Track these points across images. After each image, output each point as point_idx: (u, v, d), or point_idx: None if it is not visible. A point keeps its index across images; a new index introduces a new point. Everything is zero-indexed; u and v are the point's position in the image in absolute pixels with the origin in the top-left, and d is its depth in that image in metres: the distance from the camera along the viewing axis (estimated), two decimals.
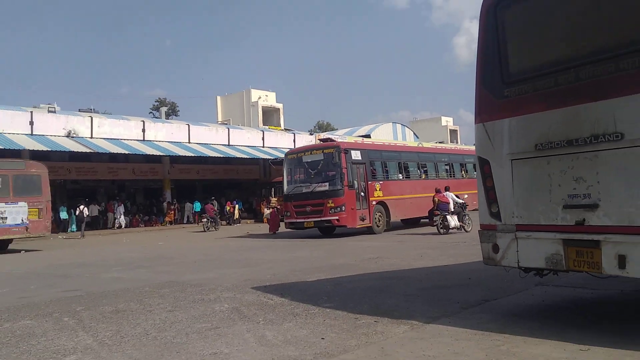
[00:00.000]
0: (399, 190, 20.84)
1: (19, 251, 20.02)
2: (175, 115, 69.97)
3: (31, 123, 29.46)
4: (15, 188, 19.56)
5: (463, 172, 25.39)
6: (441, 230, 17.22)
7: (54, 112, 32.46)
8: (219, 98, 64.31)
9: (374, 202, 19.27)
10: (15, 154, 26.27)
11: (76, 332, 6.04)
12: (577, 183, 4.90)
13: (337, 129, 67.37)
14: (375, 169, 20.25)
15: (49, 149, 28.07)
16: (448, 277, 8.78)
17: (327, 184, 18.61)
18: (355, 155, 18.96)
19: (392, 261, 11.31)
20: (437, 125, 75.87)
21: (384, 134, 52.87)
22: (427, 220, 21.59)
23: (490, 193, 5.66)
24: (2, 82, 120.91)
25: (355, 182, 18.72)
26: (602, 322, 5.51)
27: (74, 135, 30.51)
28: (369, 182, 19.31)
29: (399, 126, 60.21)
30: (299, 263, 11.88)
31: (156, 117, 53.00)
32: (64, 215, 30.21)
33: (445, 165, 24.47)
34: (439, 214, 17.41)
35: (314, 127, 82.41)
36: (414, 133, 61.40)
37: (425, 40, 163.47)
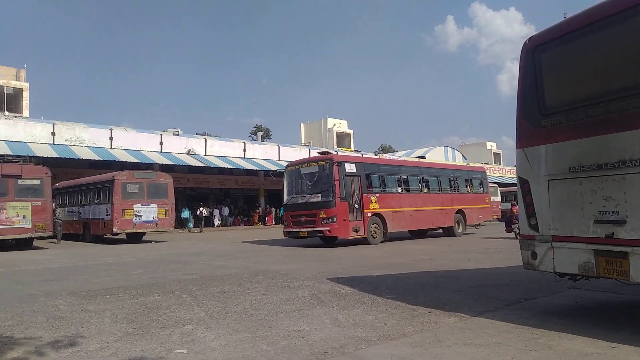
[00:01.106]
0: (397, 203, 18.12)
1: (150, 242, 21.08)
2: (269, 138, 71.57)
3: (161, 143, 31.11)
4: (148, 193, 20.64)
5: (469, 188, 22.15)
6: (518, 237, 16.34)
7: (178, 134, 34.06)
8: (302, 125, 65.23)
9: (369, 214, 16.61)
10: (149, 166, 27.74)
11: (192, 307, 6.28)
12: (607, 201, 4.64)
13: (397, 151, 66.45)
14: (371, 182, 17.41)
15: (173, 163, 29.52)
16: (492, 278, 8.44)
17: (320, 195, 16.16)
18: (350, 168, 16.44)
19: (443, 262, 11.00)
20: (482, 149, 73.10)
21: (437, 156, 51.69)
22: (441, 231, 20.49)
23: (529, 208, 5.45)
24: (141, 111, 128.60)
25: (349, 194, 16.14)
26: (631, 324, 5.14)
27: (192, 153, 31.90)
28: (364, 195, 16.62)
29: (449, 149, 58.62)
30: (364, 260, 11.78)
31: (254, 140, 54.45)
32: (185, 215, 31.51)
33: (450, 180, 21.24)
34: (516, 223, 16.62)
35: (378, 148, 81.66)
36: (463, 155, 59.58)
37: (472, 77, 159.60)
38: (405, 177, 19.37)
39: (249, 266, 10.82)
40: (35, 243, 18.76)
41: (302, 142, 59.34)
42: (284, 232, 17.48)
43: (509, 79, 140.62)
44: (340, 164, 16.03)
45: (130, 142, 30.02)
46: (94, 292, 7.56)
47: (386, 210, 17.28)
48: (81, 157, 26.50)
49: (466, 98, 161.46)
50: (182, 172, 32.62)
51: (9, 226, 16.59)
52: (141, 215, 20.20)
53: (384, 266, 10.38)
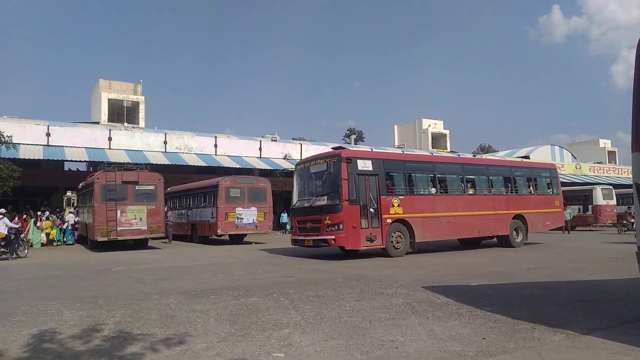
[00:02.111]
0: (429, 207, 15.07)
1: (250, 243, 22.11)
2: (362, 141, 71.54)
3: (260, 149, 32.55)
4: (248, 197, 21.67)
5: (532, 188, 18.53)
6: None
7: (275, 140, 35.34)
8: (395, 126, 64.53)
9: (389, 220, 13.86)
10: (249, 172, 29.09)
11: (289, 310, 6.48)
12: None
13: (497, 151, 63.21)
14: (393, 182, 14.65)
15: (271, 168, 30.64)
16: (605, 291, 7.73)
17: (325, 197, 13.77)
18: (364, 165, 13.81)
19: (549, 272, 10.26)
20: (595, 147, 66.95)
21: (543, 156, 48.39)
22: (495, 240, 17.35)
23: None
24: (242, 119, 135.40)
25: (363, 196, 13.56)
26: None
27: (289, 158, 32.92)
28: (383, 197, 13.85)
29: (557, 148, 54.56)
30: (461, 268, 11.35)
31: (347, 143, 54.92)
32: (283, 219, 32.50)
33: (506, 179, 17.82)
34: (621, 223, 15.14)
35: (477, 149, 78.08)
36: (572, 154, 55.18)
37: (582, 69, 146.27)
38: (441, 175, 16.06)
39: (342, 270, 10.91)
40: (150, 243, 20.50)
41: (396, 144, 58.71)
42: (291, 239, 15.33)
43: (625, 70, 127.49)
44: (351, 160, 13.51)
45: (232, 148, 31.83)
46: (200, 292, 8.09)
47: (413, 215, 14.46)
48: (189, 164, 28.58)
49: (575, 92, 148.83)
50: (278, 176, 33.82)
51: (128, 228, 18.31)
52: (242, 218, 21.25)
53: (483, 275, 9.93)
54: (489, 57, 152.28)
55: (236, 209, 21.14)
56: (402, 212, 14.21)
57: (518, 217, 17.27)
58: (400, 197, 14.36)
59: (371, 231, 13.56)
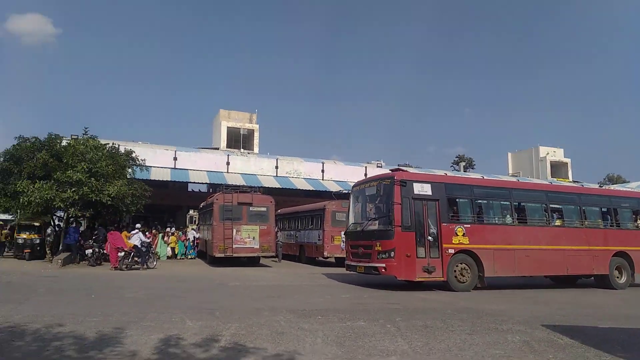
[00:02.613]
0: (502, 238, 13.43)
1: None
2: (472, 169, 68.79)
3: (365, 175, 32.75)
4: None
5: (639, 222, 15.96)
6: None
7: (381, 166, 35.45)
8: (509, 154, 61.09)
9: (451, 250, 12.55)
10: None
11: (396, 338, 6.34)
12: None
13: (629, 181, 56.91)
14: (458, 209, 13.33)
15: None
16: None
17: (377, 222, 12.88)
18: (421, 189, 12.68)
19: None
20: None
21: None
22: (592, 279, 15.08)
23: None
24: (348, 145, 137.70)
25: (419, 222, 12.41)
26: None
27: None
28: (444, 225, 12.60)
29: None
30: (586, 308, 10.29)
31: (456, 170, 53.12)
32: None
33: (603, 211, 15.67)
34: None
35: (604, 179, 71.09)
36: None
37: None
38: (519, 203, 14.37)
39: (452, 301, 10.46)
40: (261, 261, 21.41)
41: (510, 172, 55.55)
42: (345, 265, 14.53)
43: None
44: (405, 183, 12.44)
45: (338, 173, 32.57)
46: (308, 312, 8.25)
47: (481, 246, 12.98)
48: (298, 187, 29.64)
49: None
50: None
51: (242, 245, 19.37)
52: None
53: (613, 317, 8.91)
54: (615, 79, 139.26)
55: (342, 232, 21.31)
56: (467, 242, 12.84)
57: (620, 254, 14.91)
58: (465, 225, 12.96)
59: (429, 261, 12.37)
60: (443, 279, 12.42)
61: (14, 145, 19.50)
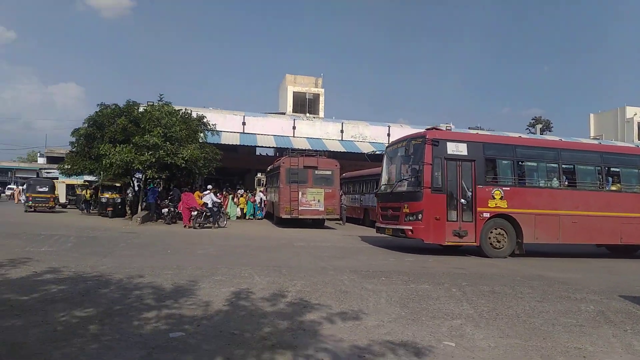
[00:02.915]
0: (546, 203, 12.48)
1: None
2: (549, 131, 64.87)
3: None
4: None
5: None
6: None
7: (450, 129, 34.20)
8: (591, 115, 56.87)
9: (486, 214, 11.91)
10: None
11: (461, 302, 6.26)
12: None
13: None
14: (497, 171, 12.54)
15: None
16: None
17: (406, 183, 12.36)
18: (455, 148, 11.98)
19: None
20: None
21: None
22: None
23: None
24: (417, 108, 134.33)
25: (453, 184, 11.84)
26: None
27: None
28: (479, 187, 11.92)
29: None
30: None
31: (531, 133, 50.38)
32: None
33: None
34: None
35: None
36: None
37: None
38: (568, 166, 13.27)
39: (522, 269, 10.12)
40: (326, 223, 21.73)
41: (592, 134, 51.89)
42: (375, 227, 14.24)
43: None
44: (438, 142, 11.84)
45: None
46: (371, 273, 8.32)
47: (522, 211, 12.21)
48: (363, 151, 29.41)
49: None
50: None
51: (307, 208, 19.74)
52: None
53: None
54: None
55: None
56: (505, 206, 12.13)
57: None
58: (504, 188, 12.19)
59: (461, 225, 11.82)
60: (475, 243, 11.93)
61: (96, 112, 20.80)
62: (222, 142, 26.42)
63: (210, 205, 18.35)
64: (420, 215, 11.77)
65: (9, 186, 52.33)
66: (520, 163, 12.90)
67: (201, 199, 18.86)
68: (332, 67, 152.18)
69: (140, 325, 4.45)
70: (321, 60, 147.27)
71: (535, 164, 13.23)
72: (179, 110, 21.43)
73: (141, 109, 20.74)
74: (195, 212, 18.01)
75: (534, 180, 13.07)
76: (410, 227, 11.97)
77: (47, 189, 26.36)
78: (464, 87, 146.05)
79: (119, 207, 22.97)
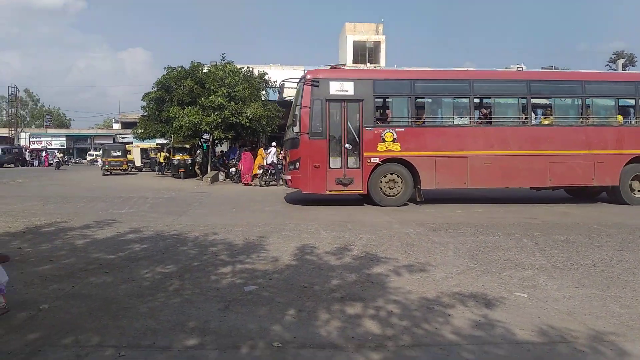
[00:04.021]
0: (453, 144, 11.23)
1: None
2: (632, 66, 59.33)
3: None
4: None
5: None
6: None
7: (521, 70, 32.22)
8: None
9: (375, 159, 10.92)
10: None
11: (533, 253, 6.10)
12: None
13: None
14: (391, 110, 11.52)
15: None
16: None
17: (291, 130, 11.65)
18: (340, 88, 10.85)
19: None
20: None
21: None
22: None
23: None
24: (486, 50, 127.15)
25: (336, 128, 10.94)
26: None
27: None
28: (367, 130, 10.89)
29: None
30: None
31: (612, 69, 46.37)
32: None
33: (623, 104, 12.35)
34: None
35: None
36: None
37: None
38: (482, 99, 12.07)
39: (600, 217, 9.63)
40: None
41: None
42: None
43: None
44: (318, 82, 10.85)
45: None
46: (438, 225, 8.26)
47: (419, 154, 11.12)
48: None
49: None
50: None
51: None
52: None
53: None
54: None
55: None
56: (398, 150, 11.07)
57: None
58: (398, 129, 11.09)
59: (345, 172, 11.05)
60: (363, 191, 11.17)
61: (164, 75, 21.54)
62: (285, 98, 26.53)
63: (275, 162, 18.78)
64: (298, 163, 11.12)
65: (89, 152, 56.19)
66: (420, 100, 11.70)
67: (265, 158, 19.30)
68: (392, 11, 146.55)
69: (216, 279, 4.74)
70: (382, 6, 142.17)
71: (439, 100, 11.91)
72: (240, 68, 21.70)
73: (205, 70, 21.22)
74: (261, 170, 18.51)
75: (437, 119, 11.84)
76: (290, 177, 11.56)
77: (120, 154, 28.35)
78: (535, 24, 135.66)
79: (190, 168, 24.08)
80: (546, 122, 11.99)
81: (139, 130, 23.52)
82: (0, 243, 6.52)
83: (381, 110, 11.81)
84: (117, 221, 8.60)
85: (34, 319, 3.64)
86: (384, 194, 11.24)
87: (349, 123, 11.06)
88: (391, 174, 11.25)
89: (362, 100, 11.04)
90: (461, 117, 11.70)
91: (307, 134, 10.91)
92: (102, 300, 4.10)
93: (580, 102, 11.87)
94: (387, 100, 11.90)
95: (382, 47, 42.62)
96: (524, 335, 3.39)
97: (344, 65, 38.65)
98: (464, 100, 11.68)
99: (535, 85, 11.87)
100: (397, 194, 11.24)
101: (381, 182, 11.22)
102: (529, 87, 11.71)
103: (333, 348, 3.16)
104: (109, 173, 27.46)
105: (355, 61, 41.29)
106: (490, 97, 11.96)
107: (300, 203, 11.98)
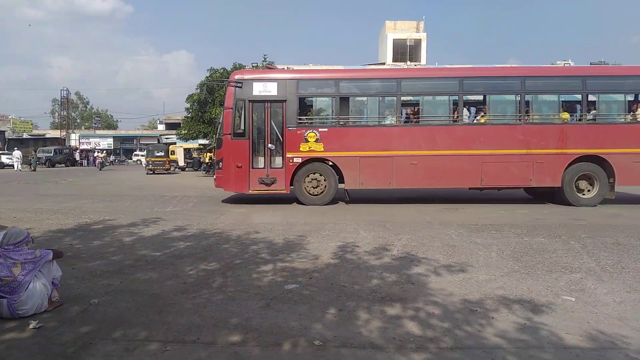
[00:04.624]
0: (378, 143, 11.17)
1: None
2: None
3: None
4: None
5: (619, 113, 11.40)
6: None
7: (568, 64, 31.13)
8: None
9: (298, 159, 11.12)
10: None
11: (581, 255, 5.89)
12: None
13: None
14: (314, 110, 11.66)
15: None
16: None
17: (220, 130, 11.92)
18: (263, 89, 11.10)
19: None
20: None
21: None
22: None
23: None
24: (529, 47, 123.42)
25: (259, 128, 11.19)
26: None
27: None
28: (289, 130, 11.07)
29: None
30: None
31: None
32: None
33: (566, 99, 11.67)
34: None
35: None
36: None
37: None
38: (411, 97, 12.00)
39: None
40: None
41: None
42: None
43: None
44: (241, 83, 11.10)
45: None
46: (481, 227, 8.09)
47: (342, 154, 11.19)
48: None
49: None
50: None
51: None
52: None
53: None
54: None
55: None
56: (321, 150, 11.17)
57: (591, 159, 11.12)
58: (321, 129, 11.20)
59: (269, 172, 11.25)
60: (285, 191, 11.33)
61: (206, 77, 22.09)
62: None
63: None
64: (221, 163, 11.40)
65: (135, 152, 58.14)
66: (346, 100, 11.57)
67: None
68: (434, 10, 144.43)
69: (258, 277, 4.82)
70: (423, 4, 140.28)
71: (365, 100, 11.87)
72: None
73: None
74: None
75: (362, 119, 11.86)
76: (215, 177, 11.84)
77: (162, 154, 29.41)
78: (583, 18, 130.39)
79: None
80: (482, 120, 11.59)
81: (183, 131, 24.18)
82: (54, 239, 6.85)
83: (307, 111, 11.88)
84: (161, 219, 8.87)
85: (85, 312, 3.81)
86: (309, 193, 11.45)
87: (272, 123, 11.30)
88: (314, 173, 11.43)
89: (285, 100, 11.24)
90: (387, 117, 11.68)
91: (230, 134, 11.23)
92: (149, 295, 4.25)
93: (519, 99, 11.33)
94: (311, 99, 11.96)
95: (423, 45, 42.09)
96: (572, 340, 3.28)
97: (384, 64, 38.37)
98: (391, 99, 11.65)
99: (467, 83, 11.51)
100: (320, 193, 11.44)
101: (304, 181, 11.43)
102: (461, 84, 11.39)
103: (374, 348, 3.16)
104: (152, 172, 28.40)
105: (395, 60, 41.01)
106: (419, 96, 11.85)
107: (338, 198, 11.99)
